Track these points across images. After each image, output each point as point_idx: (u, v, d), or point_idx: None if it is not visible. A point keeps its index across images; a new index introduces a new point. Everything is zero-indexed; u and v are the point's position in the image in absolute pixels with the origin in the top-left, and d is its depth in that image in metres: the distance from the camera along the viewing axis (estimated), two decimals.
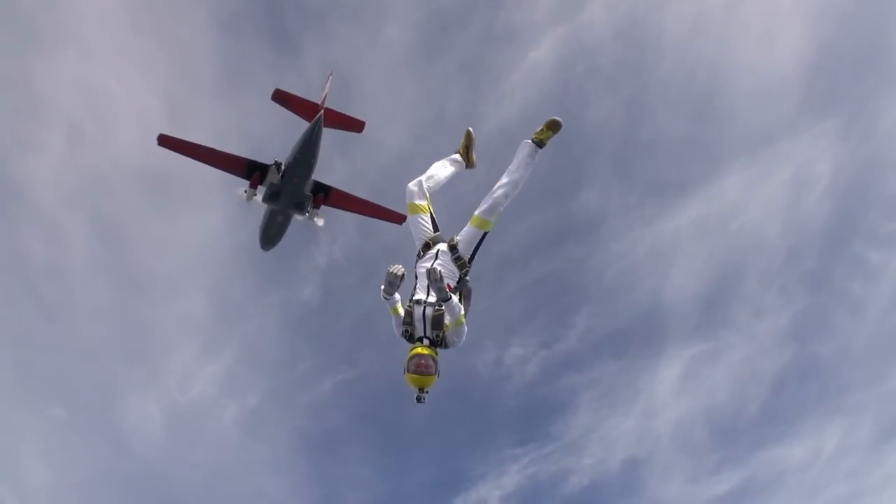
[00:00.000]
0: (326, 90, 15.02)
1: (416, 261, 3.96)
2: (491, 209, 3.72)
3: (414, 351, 3.53)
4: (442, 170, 4.23)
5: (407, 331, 3.74)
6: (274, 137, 20.30)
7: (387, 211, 16.43)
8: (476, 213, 3.78)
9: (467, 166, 4.40)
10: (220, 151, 15.00)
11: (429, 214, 4.06)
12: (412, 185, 4.05)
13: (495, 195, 3.70)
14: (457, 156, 4.34)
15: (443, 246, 3.87)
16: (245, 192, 15.34)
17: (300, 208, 15.80)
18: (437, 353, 3.59)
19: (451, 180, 4.33)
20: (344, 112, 15.17)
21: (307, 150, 14.70)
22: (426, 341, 3.62)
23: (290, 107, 14.79)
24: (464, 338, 3.73)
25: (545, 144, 3.81)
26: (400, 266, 3.61)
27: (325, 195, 15.84)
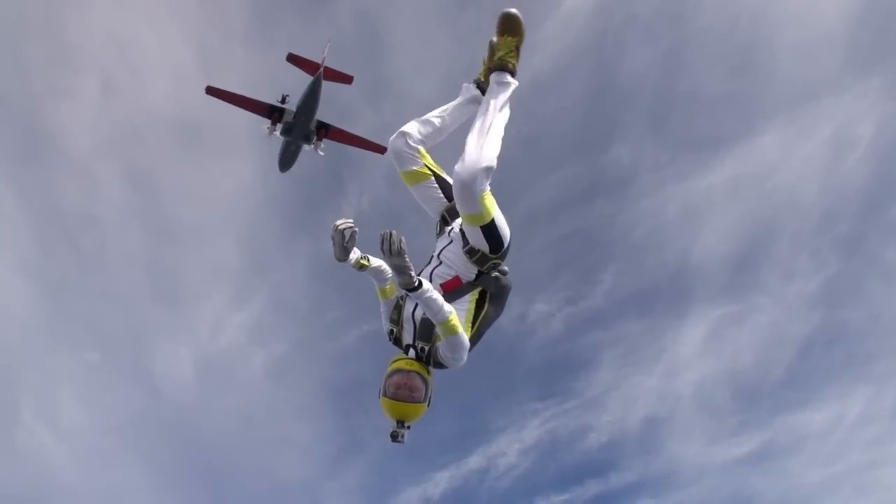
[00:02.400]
0: (325, 53, 21.13)
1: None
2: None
3: (394, 364, 2.51)
4: (444, 115, 2.63)
5: (393, 331, 2.74)
6: (294, 86, 20.84)
7: (371, 143, 22.64)
8: None
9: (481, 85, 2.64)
10: (253, 99, 21.21)
11: (432, 177, 2.65)
12: (394, 142, 2.55)
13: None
14: (474, 90, 2.66)
15: (459, 223, 2.56)
16: (268, 128, 21.61)
17: (307, 140, 22.05)
18: (428, 372, 2.54)
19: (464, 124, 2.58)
20: (341, 70, 21.22)
21: (311, 97, 20.87)
22: (412, 352, 2.58)
23: (300, 66, 20.93)
24: (461, 354, 2.48)
25: (509, 67, 2.45)
26: (349, 221, 2.51)
27: (325, 130, 22.10)
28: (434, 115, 2.64)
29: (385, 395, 2.46)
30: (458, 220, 2.58)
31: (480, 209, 2.30)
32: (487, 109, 2.40)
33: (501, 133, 2.37)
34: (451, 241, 2.64)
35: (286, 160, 23.08)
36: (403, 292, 2.49)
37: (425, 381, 2.50)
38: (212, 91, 21.12)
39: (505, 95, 2.45)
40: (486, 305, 2.71)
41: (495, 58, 2.49)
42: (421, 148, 2.60)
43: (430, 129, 2.61)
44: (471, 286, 2.65)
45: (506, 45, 2.49)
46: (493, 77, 2.50)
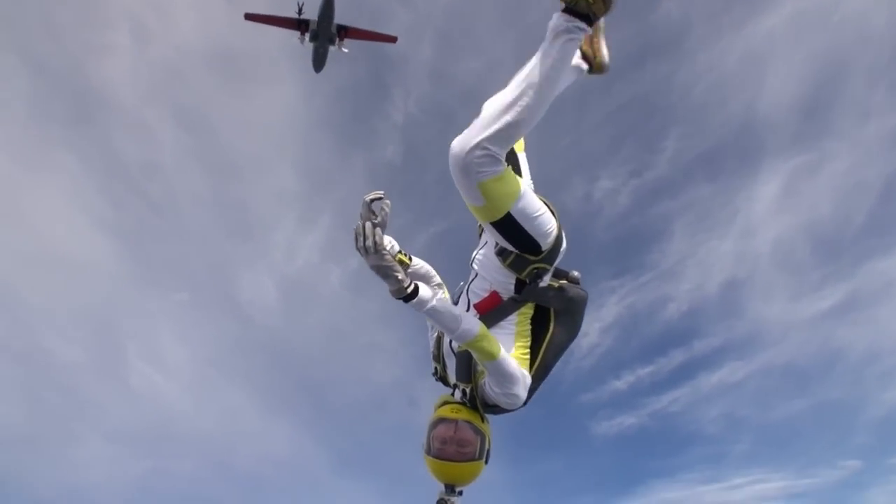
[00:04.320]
0: None
1: None
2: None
3: (439, 412, 2.08)
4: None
5: (437, 370, 2.34)
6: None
7: (382, 35, 27.94)
8: None
9: (592, 69, 2.15)
10: (283, 17, 26.54)
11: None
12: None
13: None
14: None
15: None
16: (299, 38, 27.22)
17: (332, 42, 27.67)
18: (482, 419, 2.10)
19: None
20: None
21: (326, 5, 26.01)
22: (458, 394, 2.15)
23: None
24: (513, 389, 1.95)
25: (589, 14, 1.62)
26: (378, 193, 1.86)
27: (345, 31, 27.55)
28: None
29: (429, 452, 1.99)
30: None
31: (482, 201, 1.70)
32: (528, 63, 1.64)
33: (534, 99, 1.59)
34: (486, 243, 2.10)
35: (318, 62, 28.96)
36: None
37: (479, 432, 1.99)
38: (250, 17, 26.51)
39: (560, 46, 1.59)
40: (552, 326, 2.11)
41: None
42: None
43: None
44: (514, 304, 2.06)
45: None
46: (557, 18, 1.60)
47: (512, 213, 1.79)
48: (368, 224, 1.76)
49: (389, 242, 2.26)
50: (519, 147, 2.35)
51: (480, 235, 2.28)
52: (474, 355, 1.92)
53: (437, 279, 2.53)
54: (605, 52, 2.12)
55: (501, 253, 1.99)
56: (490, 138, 1.60)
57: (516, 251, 1.94)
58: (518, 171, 2.26)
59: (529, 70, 1.63)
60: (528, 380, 2.03)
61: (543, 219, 1.89)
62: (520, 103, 1.60)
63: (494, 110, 1.62)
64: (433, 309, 1.79)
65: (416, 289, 1.78)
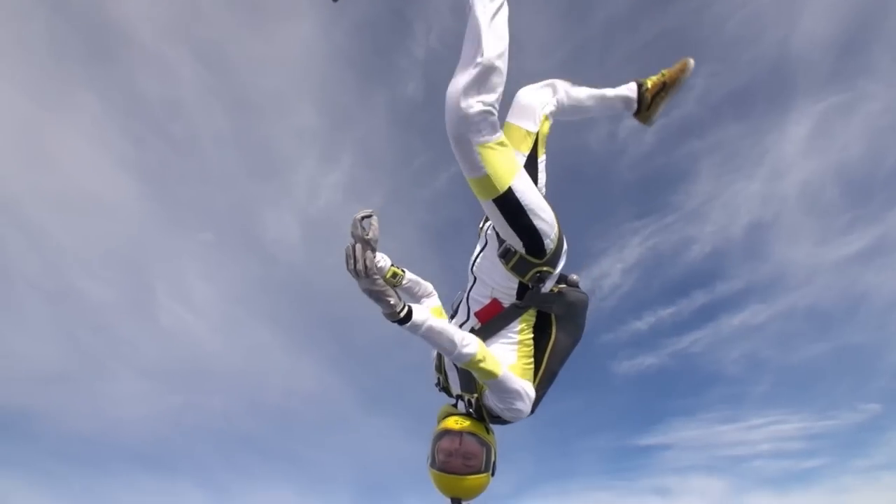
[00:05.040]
0: None
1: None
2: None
3: (443, 423, 2.01)
4: (585, 95, 2.19)
5: (439, 380, 2.23)
6: None
7: None
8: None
9: (640, 118, 2.29)
10: None
11: (526, 154, 2.02)
12: (533, 90, 2.08)
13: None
14: (626, 92, 2.26)
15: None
16: None
17: None
18: (487, 430, 2.02)
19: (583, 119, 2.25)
20: None
21: None
22: (461, 405, 2.09)
23: None
24: (516, 404, 1.91)
25: (652, 108, 2.16)
26: (366, 210, 1.75)
27: None
28: (579, 92, 2.10)
29: (434, 465, 1.91)
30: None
31: (483, 170, 1.63)
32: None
33: (495, 30, 1.57)
34: (486, 245, 2.02)
35: None
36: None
37: (484, 444, 1.93)
38: None
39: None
40: (554, 331, 2.04)
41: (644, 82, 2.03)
42: (553, 113, 2.07)
43: (567, 101, 2.10)
44: (516, 310, 1.98)
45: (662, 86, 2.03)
46: None
47: (514, 188, 1.73)
48: (359, 246, 1.65)
49: (382, 258, 2.33)
50: (543, 144, 2.14)
51: (479, 236, 2.19)
52: (474, 374, 1.87)
53: (430, 288, 2.53)
54: (658, 113, 2.26)
55: (505, 255, 1.93)
56: (474, 74, 1.56)
57: (520, 251, 1.87)
58: (535, 177, 2.09)
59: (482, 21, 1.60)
60: (532, 392, 1.96)
61: (544, 205, 1.85)
62: (486, 29, 1.58)
63: (469, 47, 1.60)
64: (429, 330, 1.71)
65: (410, 312, 1.68)
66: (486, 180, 1.67)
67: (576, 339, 2.13)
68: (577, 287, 2.14)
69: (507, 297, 1.99)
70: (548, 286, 2.03)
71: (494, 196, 1.71)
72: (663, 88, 2.21)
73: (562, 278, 2.14)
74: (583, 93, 2.20)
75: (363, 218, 1.77)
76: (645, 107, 2.22)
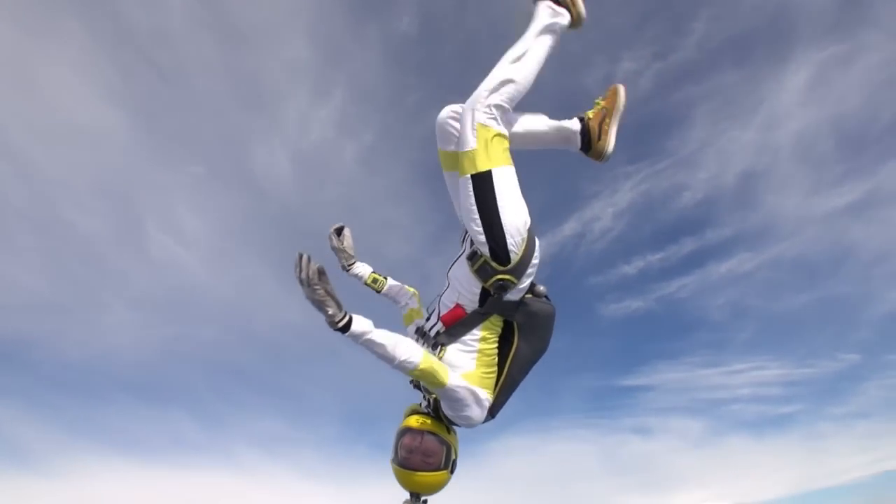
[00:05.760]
0: None
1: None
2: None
3: (406, 422, 2.10)
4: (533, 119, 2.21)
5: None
6: None
7: None
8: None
9: (592, 154, 2.29)
10: None
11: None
12: (445, 111, 2.01)
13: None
14: (568, 125, 2.28)
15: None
16: None
17: None
18: (448, 430, 2.12)
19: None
20: None
21: None
22: (424, 405, 2.17)
23: None
24: (464, 413, 1.99)
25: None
26: (340, 225, 2.31)
27: None
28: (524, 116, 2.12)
29: (395, 460, 2.02)
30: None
31: (472, 143, 1.78)
32: (524, 36, 1.94)
33: (528, 68, 1.88)
34: (464, 252, 2.03)
35: None
36: (423, 332, 2.07)
37: (444, 443, 2.02)
38: None
39: (546, 21, 1.97)
40: (516, 340, 2.07)
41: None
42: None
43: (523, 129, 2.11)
44: (477, 316, 2.01)
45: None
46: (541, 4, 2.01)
47: (494, 173, 1.83)
48: (306, 257, 1.74)
49: (361, 266, 2.60)
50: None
51: (461, 243, 2.18)
52: (422, 383, 1.98)
53: (410, 293, 2.63)
54: (611, 141, 2.23)
55: (472, 256, 1.97)
56: (497, 83, 1.85)
57: (486, 255, 1.91)
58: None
59: (526, 37, 1.96)
60: (486, 400, 2.03)
61: (519, 207, 1.90)
62: (519, 62, 1.90)
63: (500, 68, 1.90)
64: (368, 341, 1.80)
65: (350, 322, 1.77)
66: (471, 154, 1.81)
67: (537, 350, 2.16)
68: (546, 298, 2.17)
69: (471, 304, 2.04)
70: (511, 296, 2.04)
71: (473, 172, 1.82)
72: (606, 115, 2.21)
73: (530, 287, 2.12)
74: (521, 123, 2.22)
75: (338, 229, 2.24)
76: (595, 137, 2.20)
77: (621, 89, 2.23)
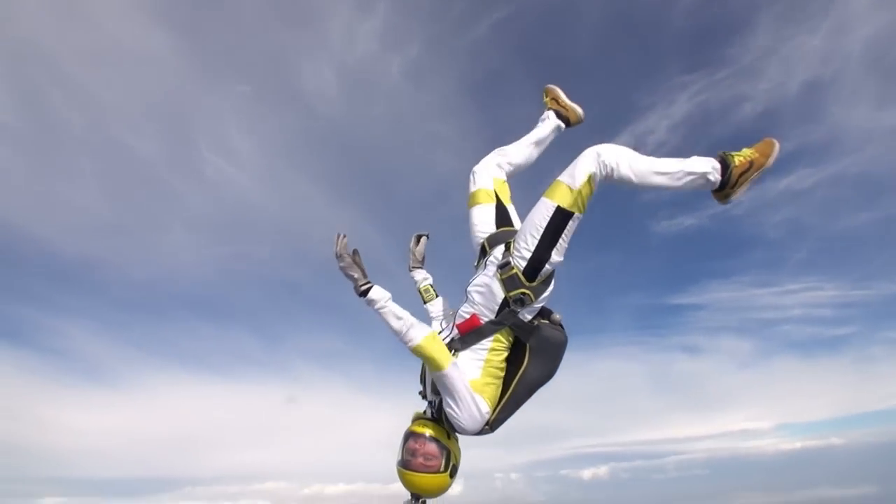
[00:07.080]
0: None
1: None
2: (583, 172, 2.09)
3: (411, 427, 2.27)
4: (524, 147, 2.75)
5: (423, 389, 2.44)
6: None
7: None
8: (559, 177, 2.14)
9: (570, 122, 2.81)
10: None
11: (493, 204, 2.55)
12: (478, 166, 2.65)
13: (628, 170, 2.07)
14: (549, 120, 2.79)
15: (500, 250, 2.29)
16: None
17: None
18: (448, 436, 2.26)
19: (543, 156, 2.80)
20: None
21: None
22: (429, 411, 2.33)
23: None
24: (458, 410, 2.13)
25: (735, 185, 2.12)
26: (341, 237, 2.27)
27: None
28: (513, 149, 2.71)
29: (399, 462, 2.18)
30: (498, 249, 2.25)
31: (577, 185, 2.05)
32: (671, 162, 2.12)
33: (648, 166, 2.09)
34: (483, 272, 2.29)
35: None
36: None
37: (444, 448, 2.16)
38: None
39: (691, 180, 2.14)
40: (526, 361, 2.21)
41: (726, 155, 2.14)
42: (503, 174, 2.64)
43: (508, 160, 2.68)
44: (491, 326, 2.19)
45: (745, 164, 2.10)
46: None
47: (575, 215, 2.08)
48: (341, 236, 2.24)
49: (426, 276, 2.84)
50: (506, 199, 2.64)
51: (477, 267, 2.46)
52: (425, 364, 2.24)
53: (450, 312, 2.66)
54: (741, 192, 2.19)
55: (503, 266, 2.21)
56: (612, 153, 2.06)
57: (518, 269, 2.17)
58: (508, 221, 2.55)
59: (669, 168, 2.09)
60: (484, 408, 2.18)
61: (562, 254, 2.17)
62: (633, 163, 2.06)
63: (648, 167, 2.07)
64: (382, 310, 2.13)
65: (370, 289, 2.15)
66: (570, 193, 2.06)
67: (545, 374, 2.29)
68: (560, 326, 2.35)
69: (488, 315, 2.25)
70: (526, 313, 2.25)
71: (563, 204, 2.07)
72: (753, 168, 2.15)
73: (547, 313, 2.36)
74: (518, 150, 2.78)
75: (418, 236, 2.80)
76: (731, 185, 2.15)
77: (776, 146, 2.18)
